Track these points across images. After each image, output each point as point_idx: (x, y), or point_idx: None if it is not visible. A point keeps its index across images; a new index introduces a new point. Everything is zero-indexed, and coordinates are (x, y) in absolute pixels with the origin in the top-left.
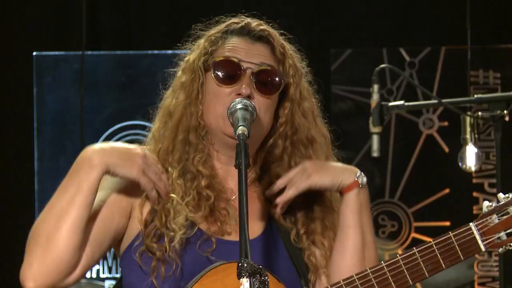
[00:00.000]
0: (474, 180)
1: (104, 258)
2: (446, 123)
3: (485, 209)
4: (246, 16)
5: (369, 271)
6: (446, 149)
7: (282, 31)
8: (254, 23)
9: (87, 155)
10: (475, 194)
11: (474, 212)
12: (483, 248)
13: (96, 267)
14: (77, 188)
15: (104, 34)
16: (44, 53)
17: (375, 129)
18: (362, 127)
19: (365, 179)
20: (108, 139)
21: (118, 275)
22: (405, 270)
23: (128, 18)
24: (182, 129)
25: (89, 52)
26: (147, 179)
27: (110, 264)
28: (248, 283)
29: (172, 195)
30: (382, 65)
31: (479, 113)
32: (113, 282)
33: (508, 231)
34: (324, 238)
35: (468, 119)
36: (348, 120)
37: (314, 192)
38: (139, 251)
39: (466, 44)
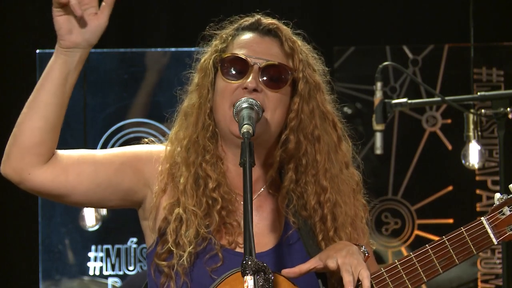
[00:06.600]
0: (477, 178)
1: (108, 255)
2: (449, 121)
3: (496, 202)
4: (260, 15)
5: (383, 270)
6: (449, 147)
7: (299, 31)
8: (265, 19)
9: None
10: (478, 191)
11: (478, 209)
12: (495, 241)
13: (99, 264)
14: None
15: (107, 32)
16: (47, 50)
17: (378, 127)
18: (365, 124)
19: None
20: (111, 136)
21: (121, 273)
22: (419, 267)
23: (131, 16)
24: (196, 130)
25: (92, 50)
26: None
27: (113, 261)
28: (252, 281)
29: (185, 202)
30: (386, 63)
31: (482, 110)
32: (116, 279)
33: None
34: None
35: (471, 116)
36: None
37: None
38: (152, 265)
39: (469, 41)
